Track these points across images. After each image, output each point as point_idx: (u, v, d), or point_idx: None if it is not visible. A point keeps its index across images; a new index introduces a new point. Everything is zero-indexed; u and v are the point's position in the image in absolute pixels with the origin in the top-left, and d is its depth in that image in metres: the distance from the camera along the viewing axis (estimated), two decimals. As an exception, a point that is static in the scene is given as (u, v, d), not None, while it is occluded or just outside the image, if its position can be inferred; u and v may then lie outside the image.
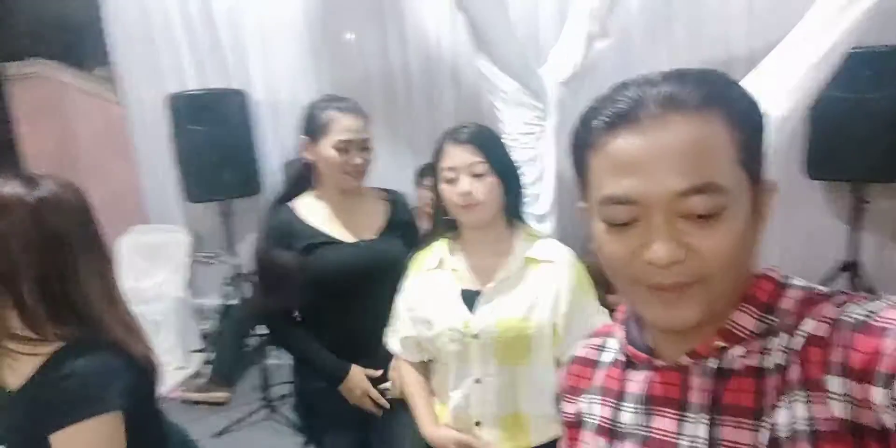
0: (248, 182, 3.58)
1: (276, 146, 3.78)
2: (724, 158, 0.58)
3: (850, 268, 3.19)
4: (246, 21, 3.65)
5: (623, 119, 0.59)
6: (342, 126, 1.68)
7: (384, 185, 1.91)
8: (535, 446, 1.39)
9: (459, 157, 1.33)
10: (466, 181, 1.32)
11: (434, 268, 1.44)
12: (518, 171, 1.42)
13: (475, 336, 1.35)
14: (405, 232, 1.80)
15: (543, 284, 1.36)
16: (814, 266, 3.34)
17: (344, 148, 1.67)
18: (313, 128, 1.71)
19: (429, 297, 1.43)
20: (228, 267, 3.67)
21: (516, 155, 2.41)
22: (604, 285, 2.94)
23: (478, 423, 1.40)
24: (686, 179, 0.56)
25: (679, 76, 0.60)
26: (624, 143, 0.59)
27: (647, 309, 0.63)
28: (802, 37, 1.94)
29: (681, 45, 3.05)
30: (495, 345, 1.35)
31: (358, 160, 1.69)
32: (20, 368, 1.02)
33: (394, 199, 1.85)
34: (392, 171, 3.12)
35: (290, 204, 1.80)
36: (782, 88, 1.92)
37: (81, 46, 4.30)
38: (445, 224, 1.42)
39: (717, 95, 0.59)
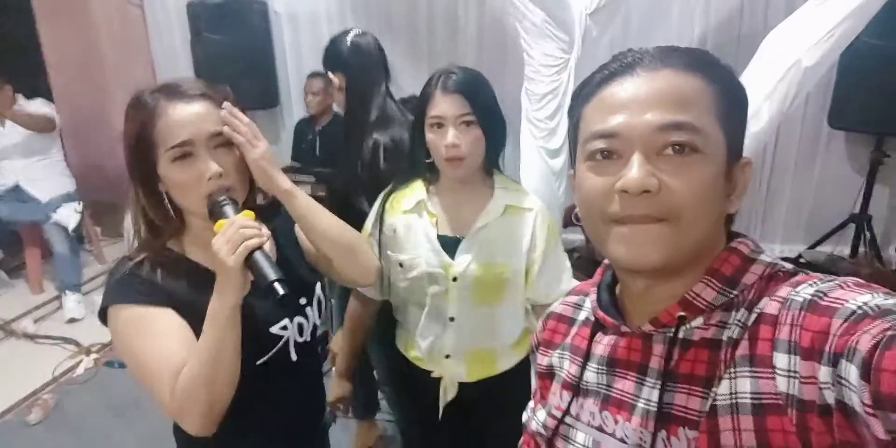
0: (266, 94, 3.58)
1: (294, 59, 3.73)
2: (703, 109, 0.62)
3: (859, 220, 3.20)
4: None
5: (620, 71, 0.65)
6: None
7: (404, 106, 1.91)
8: (501, 372, 1.50)
9: (448, 106, 1.30)
10: (453, 132, 1.30)
11: (410, 210, 1.44)
12: (503, 122, 1.41)
13: (454, 279, 1.39)
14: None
15: (520, 231, 1.40)
16: (823, 215, 3.36)
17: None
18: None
19: (406, 242, 1.44)
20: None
21: (536, 87, 2.42)
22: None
23: (447, 357, 1.47)
24: (665, 116, 0.61)
25: (674, 47, 0.67)
26: (616, 88, 0.64)
27: (615, 248, 0.65)
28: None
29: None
30: (473, 287, 1.39)
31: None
32: None
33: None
34: (409, 90, 3.10)
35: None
36: (815, 36, 1.86)
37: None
38: (426, 167, 1.42)
39: (705, 64, 0.65)
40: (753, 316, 0.61)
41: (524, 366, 1.51)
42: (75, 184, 3.84)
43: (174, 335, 1.00)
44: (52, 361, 3.06)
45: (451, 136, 1.31)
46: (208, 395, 0.96)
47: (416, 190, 1.45)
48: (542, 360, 0.84)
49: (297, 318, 1.14)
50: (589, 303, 0.79)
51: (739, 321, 0.63)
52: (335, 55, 1.78)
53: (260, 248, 0.93)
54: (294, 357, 1.13)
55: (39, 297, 3.74)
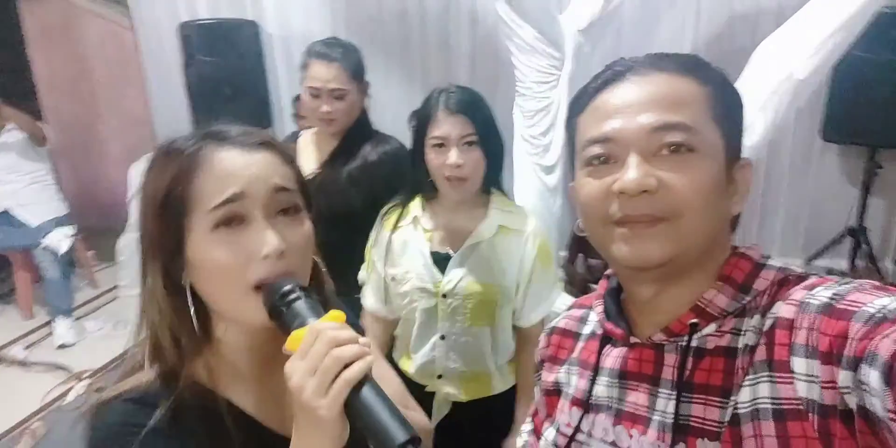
0: (258, 115, 3.56)
1: (287, 80, 3.73)
2: (697, 109, 0.62)
3: (856, 233, 3.19)
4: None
5: (611, 80, 0.66)
6: (312, 73, 1.71)
7: (397, 127, 1.91)
8: (495, 394, 1.48)
9: (451, 127, 1.31)
10: (456, 153, 1.31)
11: (405, 225, 1.45)
12: (502, 141, 1.42)
13: (444, 296, 1.39)
14: (361, 167, 1.74)
15: (511, 252, 1.39)
16: (819, 228, 3.35)
17: (315, 94, 1.70)
18: (301, 68, 1.76)
19: (400, 256, 1.45)
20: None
21: (528, 104, 2.42)
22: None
23: (440, 376, 1.46)
24: (659, 117, 0.61)
25: (665, 53, 0.67)
26: (608, 96, 0.65)
27: (615, 247, 0.64)
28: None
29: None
30: (463, 305, 1.39)
31: (325, 108, 1.70)
32: None
33: (380, 142, 1.79)
34: (404, 112, 3.10)
35: (302, 133, 1.88)
36: (806, 49, 1.87)
37: (94, -33, 4.19)
38: (426, 185, 1.42)
39: (697, 66, 0.65)
40: (769, 321, 0.60)
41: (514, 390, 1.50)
42: (67, 207, 3.80)
43: None
44: (42, 388, 3.00)
45: (454, 156, 1.31)
46: None
47: (413, 206, 1.45)
48: (547, 376, 0.82)
49: None
50: (594, 316, 0.78)
51: (754, 327, 0.61)
52: (362, 63, 1.79)
53: (367, 378, 0.59)
54: None
55: (30, 322, 3.68)
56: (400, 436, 0.54)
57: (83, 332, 3.54)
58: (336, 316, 0.63)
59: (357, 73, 1.74)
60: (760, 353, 0.59)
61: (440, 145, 1.33)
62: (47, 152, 3.71)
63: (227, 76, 3.37)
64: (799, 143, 3.31)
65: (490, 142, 1.35)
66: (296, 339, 0.60)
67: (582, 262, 3.31)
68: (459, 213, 1.41)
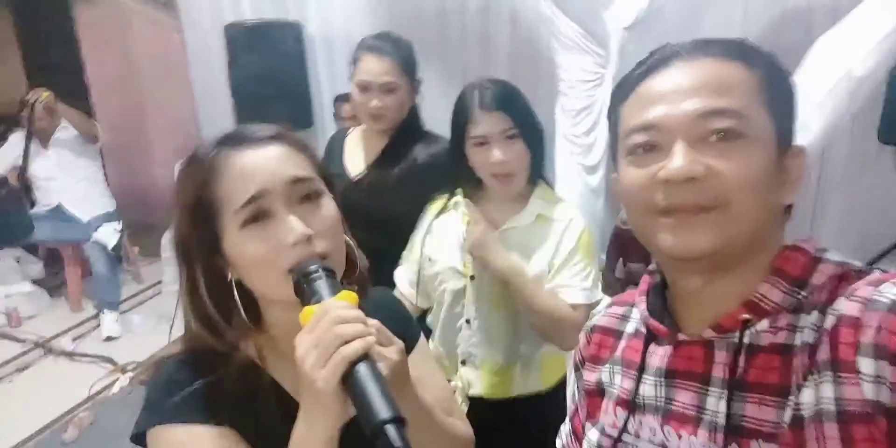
0: (300, 115, 3.61)
1: (328, 81, 3.77)
2: (746, 94, 0.60)
3: (911, 240, 3.05)
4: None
5: (656, 66, 0.64)
6: (363, 66, 1.66)
7: (435, 126, 1.89)
8: (515, 396, 1.44)
9: (491, 124, 1.30)
10: (499, 149, 1.30)
11: (450, 209, 1.47)
12: (542, 130, 1.39)
13: (472, 277, 1.38)
14: (410, 169, 1.69)
15: (546, 238, 1.36)
16: (874, 235, 3.21)
17: (364, 88, 1.66)
18: (351, 63, 1.72)
19: (437, 238, 1.46)
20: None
21: (571, 103, 2.38)
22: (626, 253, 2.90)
23: (463, 362, 1.45)
24: (706, 102, 0.59)
25: (711, 38, 0.65)
26: (653, 82, 0.63)
27: (662, 238, 0.62)
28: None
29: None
30: (490, 288, 1.37)
31: (375, 103, 1.65)
32: None
33: (430, 142, 1.74)
34: (441, 111, 3.09)
35: (351, 131, 1.85)
36: (866, 45, 1.79)
37: (145, -29, 4.30)
38: (471, 182, 1.42)
39: (744, 51, 0.63)
40: (830, 318, 0.57)
41: (543, 398, 1.45)
42: (115, 204, 3.92)
43: None
44: (88, 379, 3.09)
45: (497, 153, 1.30)
46: None
47: (458, 195, 1.47)
48: (589, 376, 0.80)
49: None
50: (636, 313, 0.75)
51: (813, 324, 0.58)
52: (415, 58, 1.75)
53: (366, 356, 0.61)
54: None
55: (78, 315, 3.81)
56: (384, 413, 0.57)
57: (129, 326, 3.63)
58: (348, 296, 0.67)
59: (409, 69, 1.70)
60: (823, 352, 0.56)
61: (482, 143, 1.32)
62: (98, 150, 3.83)
63: (269, 76, 3.42)
64: (854, 146, 3.18)
65: (531, 133, 1.33)
66: (307, 315, 0.65)
67: (621, 266, 3.25)
68: (502, 203, 1.41)
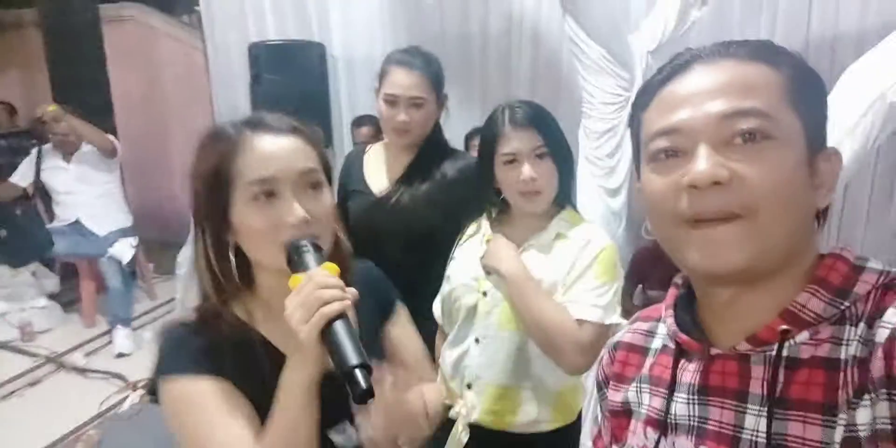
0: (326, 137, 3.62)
1: (348, 102, 3.79)
2: (772, 94, 0.57)
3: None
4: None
5: (677, 71, 0.62)
6: (392, 79, 1.62)
7: (455, 147, 1.87)
8: (520, 428, 1.36)
9: (522, 142, 1.28)
10: (529, 167, 1.28)
11: (473, 235, 1.45)
12: (571, 152, 1.37)
13: (484, 293, 1.35)
14: (438, 185, 1.67)
15: (563, 256, 1.32)
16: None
17: (391, 102, 1.63)
18: (378, 77, 1.69)
19: (458, 255, 1.45)
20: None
21: (595, 125, 2.36)
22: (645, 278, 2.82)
23: (469, 386, 1.39)
24: (730, 103, 0.57)
25: (733, 40, 0.63)
26: (674, 86, 0.61)
27: (689, 251, 0.59)
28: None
29: (784, 18, 2.84)
30: (502, 306, 1.33)
31: (402, 117, 1.62)
32: None
33: (456, 158, 1.72)
34: (461, 132, 3.10)
35: (370, 146, 1.82)
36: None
37: (172, -8, 4.40)
38: (497, 203, 1.39)
39: (768, 51, 0.60)
40: (883, 331, 0.53)
41: (555, 435, 1.37)
42: (132, 219, 3.93)
43: (237, 414, 0.84)
44: (99, 396, 3.06)
45: (526, 171, 1.28)
46: None
47: (483, 219, 1.45)
48: (614, 395, 0.76)
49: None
50: (662, 328, 0.72)
51: (860, 337, 0.54)
52: (442, 74, 1.73)
53: (342, 316, 0.75)
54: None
55: (91, 330, 3.79)
56: (353, 360, 0.71)
57: (141, 343, 3.61)
58: (330, 267, 0.80)
59: (437, 84, 1.67)
60: (878, 369, 0.52)
61: (511, 161, 1.30)
62: (118, 165, 3.86)
63: (291, 95, 3.44)
64: (881, 174, 3.13)
65: (560, 153, 1.32)
66: (296, 281, 0.79)
67: (640, 293, 3.18)
68: (525, 223, 1.38)
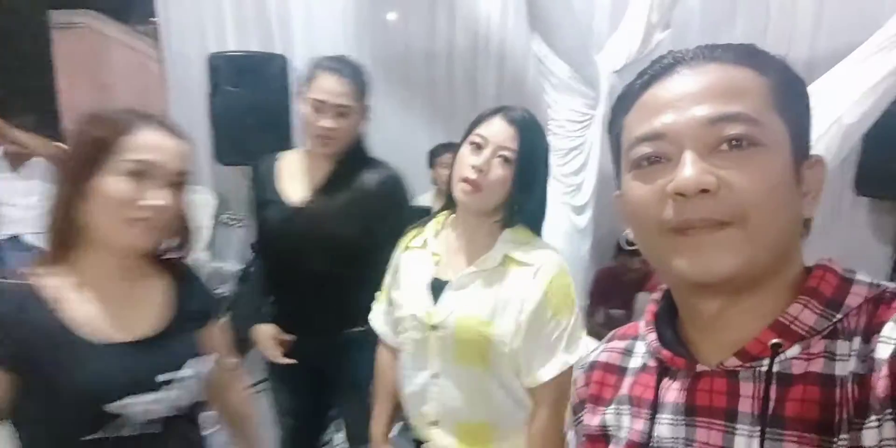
0: (281, 148, 3.51)
1: (310, 115, 3.74)
2: (758, 99, 0.56)
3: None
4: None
5: (660, 74, 0.60)
6: (320, 84, 1.60)
7: (419, 166, 1.84)
8: None
9: (497, 132, 1.21)
10: (486, 157, 1.21)
11: (419, 247, 1.36)
12: (542, 180, 1.30)
13: (434, 327, 1.26)
14: (360, 195, 1.66)
15: (515, 287, 1.23)
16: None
17: (318, 107, 1.60)
18: (302, 82, 1.66)
19: (404, 277, 1.36)
20: (251, 232, 3.66)
21: (561, 143, 2.37)
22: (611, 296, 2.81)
23: (435, 423, 1.32)
24: (717, 108, 0.55)
25: (717, 44, 0.61)
26: (657, 90, 0.59)
27: (676, 259, 0.56)
28: (883, 42, 1.84)
29: (742, 41, 2.93)
30: (453, 341, 1.25)
31: (326, 124, 1.59)
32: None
33: (377, 169, 1.70)
34: (426, 150, 3.07)
35: (280, 153, 1.78)
36: (856, 93, 1.83)
37: (130, 1, 4.29)
38: (451, 200, 1.32)
39: (754, 55, 0.59)
40: (884, 347, 0.50)
41: None
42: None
43: None
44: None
45: (482, 159, 1.21)
46: None
47: (429, 228, 1.37)
48: (591, 419, 0.72)
49: (150, 395, 0.99)
50: (641, 346, 0.69)
51: (858, 352, 0.52)
52: (369, 84, 1.72)
53: None
54: (136, 433, 0.99)
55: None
56: None
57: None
58: None
59: (364, 93, 1.66)
60: (882, 387, 0.49)
61: (478, 146, 1.22)
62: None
63: (252, 107, 3.36)
64: (829, 197, 3.24)
65: (527, 169, 1.23)
66: None
67: (603, 313, 3.19)
68: (471, 241, 1.30)
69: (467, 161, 1.22)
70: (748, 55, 0.58)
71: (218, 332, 1.19)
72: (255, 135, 3.36)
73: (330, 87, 1.59)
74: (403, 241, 1.40)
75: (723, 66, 0.57)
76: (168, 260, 1.11)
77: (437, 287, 1.28)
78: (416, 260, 1.35)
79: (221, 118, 3.44)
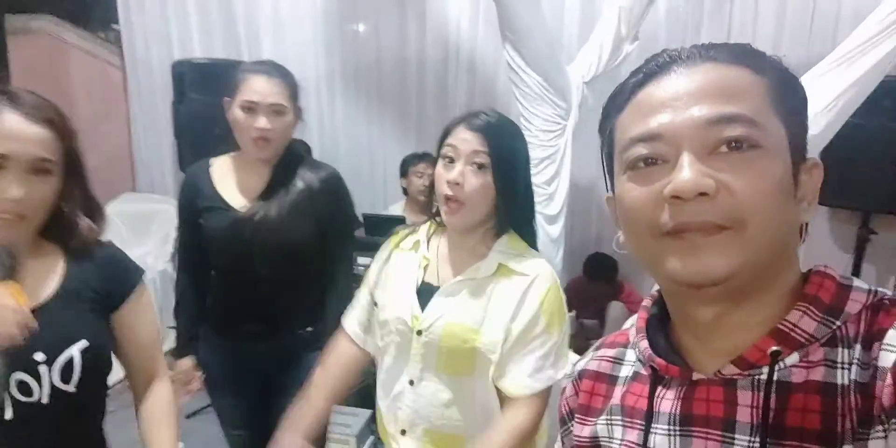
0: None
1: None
2: (757, 100, 0.55)
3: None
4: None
5: (655, 73, 0.58)
6: (249, 86, 1.58)
7: (392, 176, 1.82)
8: None
9: (463, 141, 1.20)
10: (459, 170, 1.19)
11: (408, 249, 1.34)
12: (524, 178, 1.28)
13: (419, 333, 1.24)
14: (304, 197, 1.65)
15: (507, 296, 1.21)
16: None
17: (249, 109, 1.58)
18: (230, 88, 1.64)
19: (390, 279, 1.33)
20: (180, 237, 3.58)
21: (533, 152, 2.35)
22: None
23: (403, 432, 1.29)
24: (716, 108, 0.54)
25: (713, 43, 0.60)
26: (653, 89, 0.57)
27: (669, 260, 0.54)
28: (843, 56, 1.89)
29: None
30: (438, 347, 1.22)
31: (262, 123, 1.57)
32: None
33: (316, 169, 1.70)
34: (396, 159, 3.05)
35: (212, 159, 1.75)
36: (820, 104, 1.87)
37: (89, 6, 4.17)
38: (436, 213, 1.31)
39: (750, 55, 0.58)
40: (888, 355, 0.50)
41: None
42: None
43: None
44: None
45: (455, 172, 1.19)
46: None
47: (422, 230, 1.34)
48: (581, 430, 0.70)
49: (19, 375, 0.98)
50: (632, 354, 0.67)
51: (857, 360, 0.51)
52: (298, 87, 1.71)
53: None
54: (9, 416, 0.98)
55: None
56: None
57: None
58: (9, 286, 0.95)
59: (294, 95, 1.65)
60: (888, 396, 0.48)
61: (450, 159, 1.21)
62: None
63: (217, 116, 3.28)
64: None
65: (505, 171, 1.21)
66: None
67: (575, 323, 3.19)
68: (463, 248, 1.28)
69: (443, 177, 1.21)
70: (745, 55, 0.57)
71: (136, 304, 1.14)
72: (220, 143, 3.28)
73: (260, 87, 1.57)
74: (394, 240, 1.38)
75: (719, 65, 0.56)
76: (67, 238, 1.08)
77: (426, 292, 1.27)
78: (405, 262, 1.33)
79: (186, 126, 3.37)
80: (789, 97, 0.57)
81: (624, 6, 2.37)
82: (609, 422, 0.67)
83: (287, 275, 1.66)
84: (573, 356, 1.91)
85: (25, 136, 0.96)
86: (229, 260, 1.68)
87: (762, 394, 0.54)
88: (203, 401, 2.98)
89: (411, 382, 1.26)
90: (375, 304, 1.34)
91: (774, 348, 0.53)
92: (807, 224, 0.59)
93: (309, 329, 1.72)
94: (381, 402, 1.34)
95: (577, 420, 0.71)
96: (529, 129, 2.32)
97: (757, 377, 0.55)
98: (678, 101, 0.55)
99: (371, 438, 1.47)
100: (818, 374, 0.53)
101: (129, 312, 1.13)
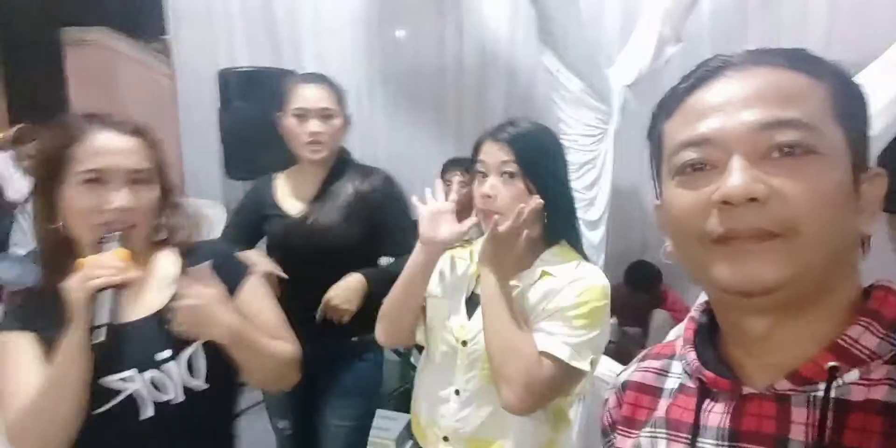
0: (288, 164, 3.53)
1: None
2: (814, 105, 0.53)
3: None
4: (304, 6, 3.62)
5: (705, 77, 0.57)
6: (298, 95, 1.66)
7: (429, 182, 1.82)
8: None
9: (489, 154, 1.20)
10: (490, 182, 1.19)
11: (464, 258, 1.34)
12: (562, 182, 1.26)
13: (464, 343, 1.24)
14: (355, 200, 1.68)
15: (546, 298, 1.19)
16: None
17: (301, 115, 1.65)
18: (279, 101, 1.72)
19: (444, 280, 1.32)
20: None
21: (574, 157, 2.34)
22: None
23: (445, 439, 1.28)
24: (769, 112, 0.52)
25: (767, 49, 0.58)
26: (703, 93, 0.56)
27: (717, 267, 0.53)
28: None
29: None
30: (483, 359, 1.21)
31: (314, 127, 1.64)
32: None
33: (368, 172, 1.74)
34: (436, 167, 3.05)
35: (276, 173, 1.83)
36: (879, 104, 1.79)
37: (141, 18, 4.33)
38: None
39: (808, 60, 0.56)
40: None
41: None
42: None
43: (30, 363, 0.99)
44: None
45: (487, 185, 1.19)
46: (40, 427, 0.94)
47: (477, 242, 1.32)
48: (623, 442, 0.68)
49: (150, 373, 1.03)
50: (678, 366, 0.65)
51: None
52: (344, 94, 1.77)
53: (109, 288, 0.94)
54: (149, 415, 1.03)
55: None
56: (97, 321, 0.93)
57: None
58: (120, 252, 0.99)
59: (342, 101, 1.71)
60: None
61: (483, 174, 1.22)
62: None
63: (261, 123, 3.34)
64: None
65: (537, 177, 1.18)
66: (79, 265, 0.97)
67: (617, 330, 3.13)
68: (516, 255, 1.24)
69: (477, 192, 1.23)
70: (800, 59, 0.55)
71: (249, 293, 1.18)
72: (265, 150, 3.34)
73: (309, 94, 1.66)
74: (450, 251, 1.35)
75: (773, 69, 0.54)
76: (176, 241, 1.15)
77: (475, 302, 1.26)
78: (458, 271, 1.33)
79: (231, 134, 3.45)
80: (849, 103, 0.55)
81: (667, 7, 2.32)
82: (653, 434, 0.65)
83: (339, 279, 1.67)
84: (608, 362, 1.87)
85: (120, 148, 1.02)
86: (285, 264, 1.71)
87: (818, 411, 0.51)
88: (253, 399, 3.07)
89: (457, 392, 1.26)
90: (429, 295, 1.33)
91: (833, 363, 0.51)
92: (869, 237, 0.57)
93: (366, 335, 1.64)
94: (421, 405, 1.34)
95: (619, 432, 0.70)
96: (569, 134, 2.29)
97: (812, 394, 0.53)
98: (729, 105, 0.54)
99: (410, 442, 1.47)
100: (880, 393, 0.50)
101: (242, 304, 1.14)
